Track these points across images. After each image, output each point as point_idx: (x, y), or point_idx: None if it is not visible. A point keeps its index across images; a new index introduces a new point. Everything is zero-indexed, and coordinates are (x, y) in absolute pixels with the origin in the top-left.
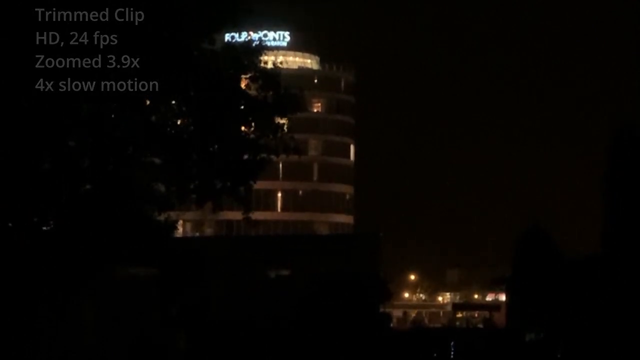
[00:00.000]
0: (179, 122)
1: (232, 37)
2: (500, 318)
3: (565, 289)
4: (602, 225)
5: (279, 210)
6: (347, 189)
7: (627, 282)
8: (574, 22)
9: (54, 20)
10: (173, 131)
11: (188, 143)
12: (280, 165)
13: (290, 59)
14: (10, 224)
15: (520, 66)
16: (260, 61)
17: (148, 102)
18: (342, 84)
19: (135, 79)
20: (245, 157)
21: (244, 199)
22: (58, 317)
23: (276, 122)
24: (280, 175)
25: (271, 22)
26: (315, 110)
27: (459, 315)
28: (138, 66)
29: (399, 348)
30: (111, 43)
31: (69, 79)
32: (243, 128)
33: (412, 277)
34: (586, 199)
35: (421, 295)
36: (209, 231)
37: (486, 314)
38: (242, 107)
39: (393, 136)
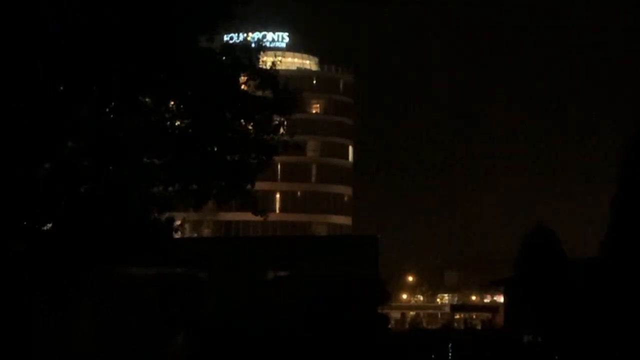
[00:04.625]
0: (178, 123)
1: (231, 38)
2: (498, 320)
3: (564, 291)
4: (608, 227)
5: (277, 211)
6: (345, 190)
7: (626, 286)
8: (579, 22)
9: (53, 21)
10: (172, 131)
11: (187, 143)
12: (279, 166)
13: (289, 60)
14: (8, 225)
15: (523, 67)
16: (259, 60)
17: (147, 103)
18: (341, 85)
19: (134, 80)
20: (246, 156)
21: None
22: (56, 318)
23: (275, 120)
24: (279, 176)
25: (270, 23)
26: (314, 112)
27: (457, 316)
28: (137, 67)
29: (397, 349)
30: (109, 44)
31: (68, 80)
32: (242, 128)
33: (411, 278)
34: (588, 203)
35: (419, 296)
36: (207, 232)
37: (484, 315)
38: (242, 106)
39: (392, 137)
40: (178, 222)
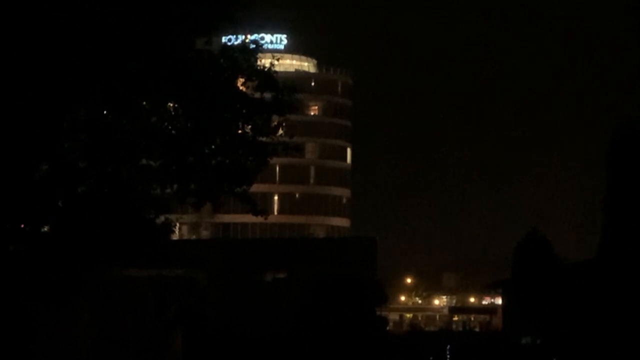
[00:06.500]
0: (177, 124)
1: (230, 40)
2: (496, 322)
3: (562, 293)
4: (601, 229)
5: (275, 213)
6: (343, 192)
7: (623, 287)
8: (572, 25)
9: (52, 23)
10: (170, 133)
11: (186, 144)
12: (277, 168)
13: (288, 62)
14: (7, 227)
15: (519, 70)
16: (257, 61)
17: (146, 104)
18: (339, 87)
19: (133, 81)
20: (244, 158)
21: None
22: (55, 318)
23: (274, 122)
24: (277, 178)
25: (269, 24)
26: (312, 113)
27: (456, 318)
28: (135, 68)
29: (396, 351)
30: (108, 44)
31: (66, 82)
32: (240, 129)
33: (409, 280)
34: (586, 204)
35: (417, 298)
36: (205, 234)
37: (482, 317)
38: (240, 107)
39: (390, 139)
40: (175, 224)
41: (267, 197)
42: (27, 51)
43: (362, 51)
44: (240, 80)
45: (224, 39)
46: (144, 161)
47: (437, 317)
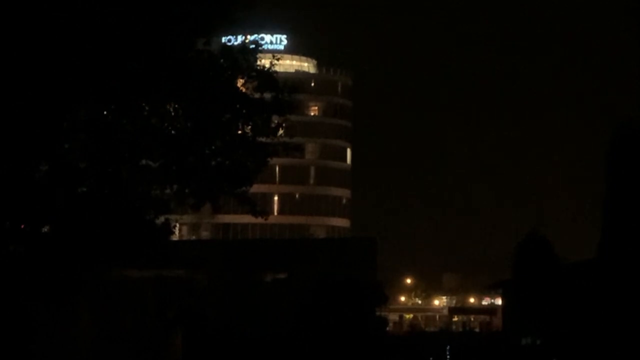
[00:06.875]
0: (177, 124)
1: (230, 40)
2: (496, 322)
3: (562, 293)
4: (601, 229)
5: (275, 213)
6: (344, 193)
7: (623, 287)
8: (572, 25)
9: (52, 23)
10: (171, 133)
11: (186, 145)
12: (277, 168)
13: (288, 62)
14: (7, 227)
15: (519, 69)
16: (257, 61)
17: (146, 104)
18: (339, 88)
19: (133, 81)
20: (244, 158)
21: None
22: (55, 318)
23: (274, 122)
24: (277, 179)
25: (269, 24)
26: (312, 114)
27: (455, 319)
28: (135, 68)
29: (396, 352)
30: (109, 46)
31: (66, 82)
32: (240, 130)
33: (409, 280)
34: (586, 204)
35: (417, 299)
36: (205, 234)
37: (482, 318)
38: (240, 107)
39: (390, 139)
40: (175, 224)
41: (267, 198)
42: (27, 51)
43: (362, 51)
44: (240, 81)
45: (224, 39)
46: (144, 161)
47: (437, 317)
